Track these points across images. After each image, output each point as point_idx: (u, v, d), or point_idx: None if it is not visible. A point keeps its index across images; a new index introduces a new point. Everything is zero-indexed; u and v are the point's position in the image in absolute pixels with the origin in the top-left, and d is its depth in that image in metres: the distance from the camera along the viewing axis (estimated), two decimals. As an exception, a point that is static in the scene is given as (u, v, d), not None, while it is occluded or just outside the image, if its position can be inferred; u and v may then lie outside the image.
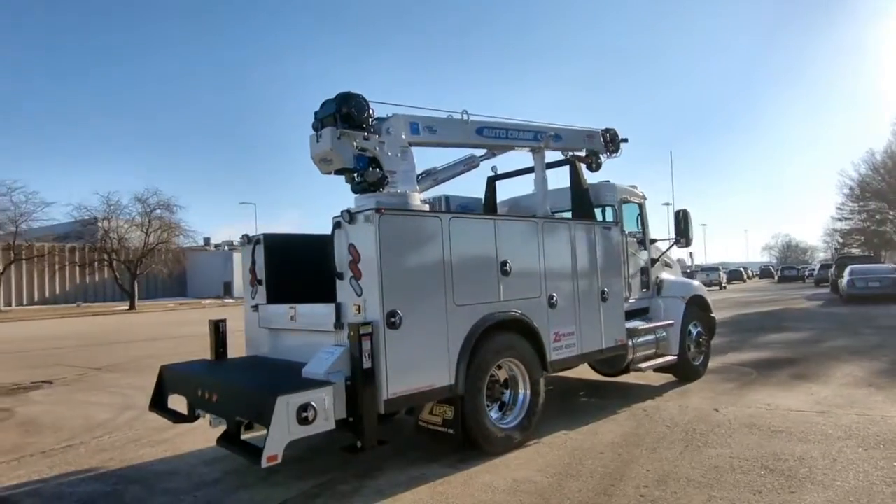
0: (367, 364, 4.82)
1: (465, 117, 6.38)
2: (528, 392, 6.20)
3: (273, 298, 6.30)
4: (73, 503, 4.97)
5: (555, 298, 6.58)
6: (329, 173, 5.52)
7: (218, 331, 6.52)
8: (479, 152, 7.14)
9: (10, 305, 52.30)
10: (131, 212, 49.52)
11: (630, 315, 8.35)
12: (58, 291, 58.52)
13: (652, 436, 6.21)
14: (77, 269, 55.72)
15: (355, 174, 5.46)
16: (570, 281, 6.87)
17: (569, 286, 6.84)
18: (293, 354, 5.80)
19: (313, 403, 4.48)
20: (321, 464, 5.68)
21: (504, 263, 6.02)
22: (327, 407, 4.57)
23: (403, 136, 5.77)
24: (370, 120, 5.42)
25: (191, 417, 5.72)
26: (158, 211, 49.56)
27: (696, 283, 9.76)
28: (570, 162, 8.06)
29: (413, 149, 5.96)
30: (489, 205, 8.90)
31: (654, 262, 9.01)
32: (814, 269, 53.67)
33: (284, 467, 5.57)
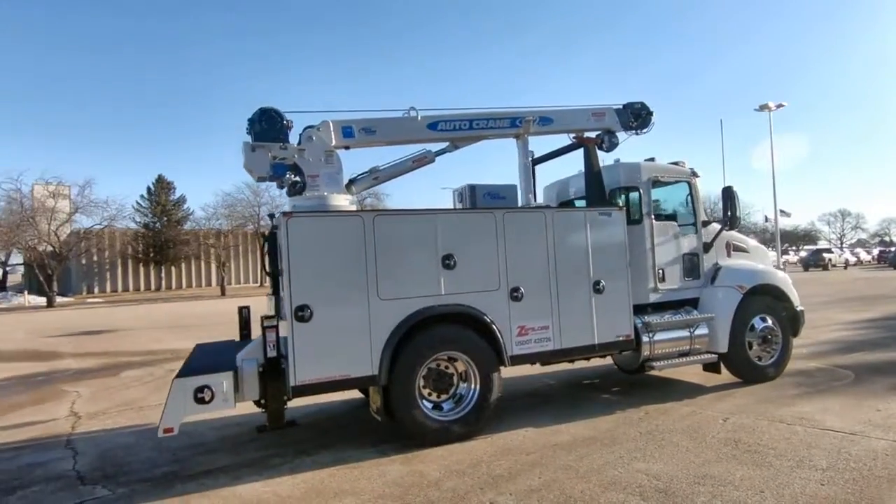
0: (270, 353, 5.26)
1: (414, 114, 6.29)
2: (478, 386, 5.99)
3: (273, 289, 7.01)
4: (103, 449, 6.29)
5: (520, 291, 6.19)
6: (260, 181, 5.99)
7: (241, 315, 7.46)
8: (438, 146, 6.93)
9: (274, 282, 63.40)
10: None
11: (669, 306, 7.37)
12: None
13: (606, 441, 5.58)
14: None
15: (284, 181, 5.85)
16: (545, 272, 6.37)
17: (542, 278, 6.35)
18: None
19: (211, 386, 5.05)
20: (295, 437, 6.24)
21: (447, 257, 5.88)
22: (226, 390, 5.11)
23: (333, 141, 5.97)
24: (287, 131, 5.74)
25: None
26: (369, 199, 55.03)
27: (770, 270, 8.07)
28: (582, 144, 7.33)
29: (361, 150, 6.11)
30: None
31: (707, 246, 7.72)
32: None
33: (259, 440, 6.30)
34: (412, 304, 5.74)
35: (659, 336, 7.00)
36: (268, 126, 5.68)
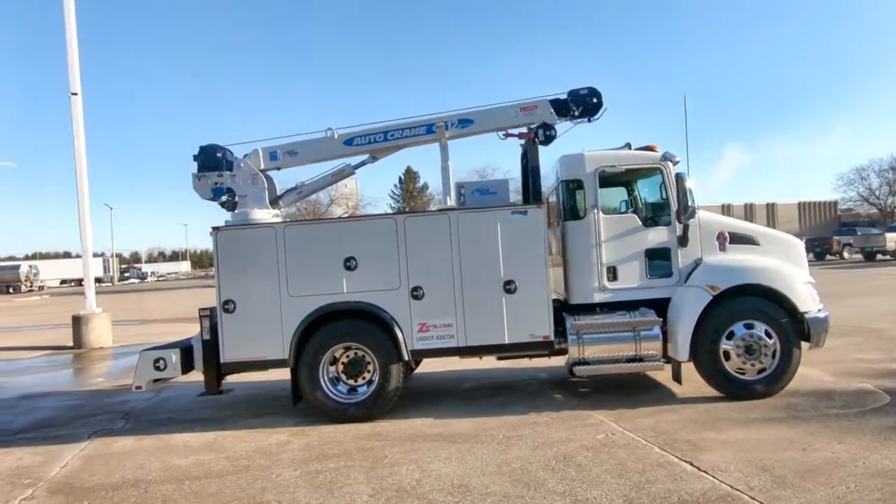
0: (205, 336, 6.63)
1: (331, 133, 6.89)
2: (378, 376, 6.47)
3: None
4: (165, 397, 8.45)
5: (421, 290, 6.44)
6: (209, 201, 7.23)
7: None
8: (357, 159, 7.27)
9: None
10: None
11: (626, 306, 6.66)
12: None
13: (459, 440, 5.65)
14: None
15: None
16: (448, 273, 6.48)
17: (445, 278, 6.48)
18: None
19: (164, 358, 6.64)
20: (268, 403, 7.61)
21: (349, 260, 6.48)
22: (174, 361, 6.64)
23: (261, 165, 6.96)
24: (224, 161, 6.89)
25: None
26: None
27: (768, 267, 6.46)
28: (527, 142, 7.03)
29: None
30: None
31: (682, 239, 6.64)
32: None
33: (243, 402, 7.70)
34: (317, 301, 6.50)
35: (590, 338, 6.42)
36: (205, 159, 6.97)
